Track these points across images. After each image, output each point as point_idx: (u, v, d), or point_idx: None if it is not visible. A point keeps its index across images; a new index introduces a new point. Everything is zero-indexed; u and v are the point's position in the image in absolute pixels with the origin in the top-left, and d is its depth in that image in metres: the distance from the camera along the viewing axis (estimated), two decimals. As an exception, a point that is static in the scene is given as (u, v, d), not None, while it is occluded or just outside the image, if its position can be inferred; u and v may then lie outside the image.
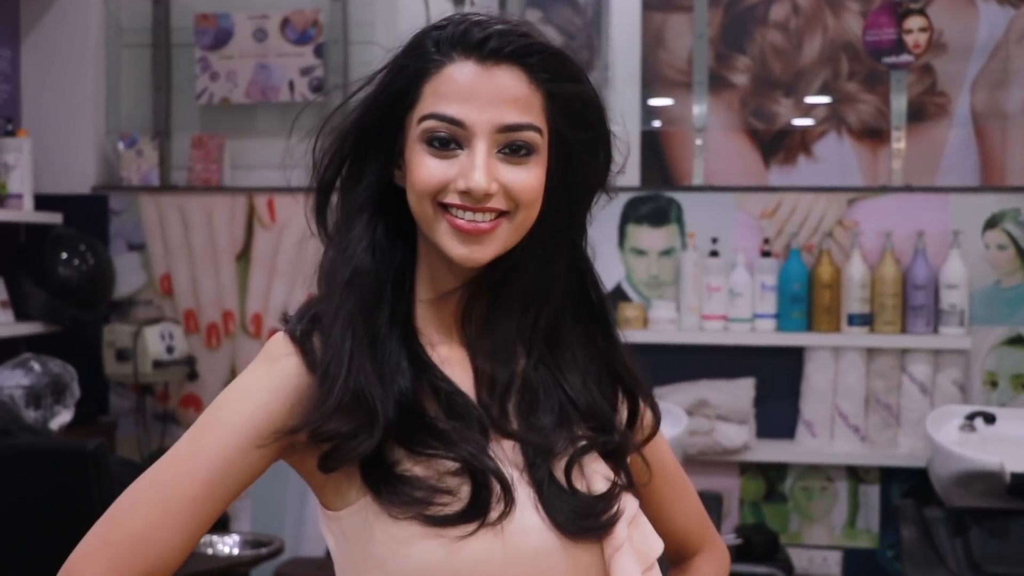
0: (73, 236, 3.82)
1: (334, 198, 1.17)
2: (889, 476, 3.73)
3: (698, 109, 4.01)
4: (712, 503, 3.09)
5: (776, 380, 3.78)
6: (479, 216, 1.10)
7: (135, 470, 2.64)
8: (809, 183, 3.90)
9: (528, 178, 1.12)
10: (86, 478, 2.19)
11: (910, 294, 3.66)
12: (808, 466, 3.76)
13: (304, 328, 1.14)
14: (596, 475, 1.14)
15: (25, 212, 3.75)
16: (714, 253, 3.76)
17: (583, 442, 1.14)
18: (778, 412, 3.78)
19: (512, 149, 1.11)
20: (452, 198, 1.10)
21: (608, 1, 4.10)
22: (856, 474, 3.76)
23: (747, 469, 3.79)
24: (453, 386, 1.13)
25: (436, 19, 1.17)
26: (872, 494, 3.75)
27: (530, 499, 1.10)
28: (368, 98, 1.15)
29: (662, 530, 1.28)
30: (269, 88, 4.08)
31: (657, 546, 1.18)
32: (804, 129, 4.04)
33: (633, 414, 1.20)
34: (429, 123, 1.11)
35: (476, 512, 1.06)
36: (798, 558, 3.71)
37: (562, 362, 1.17)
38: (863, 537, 3.76)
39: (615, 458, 1.17)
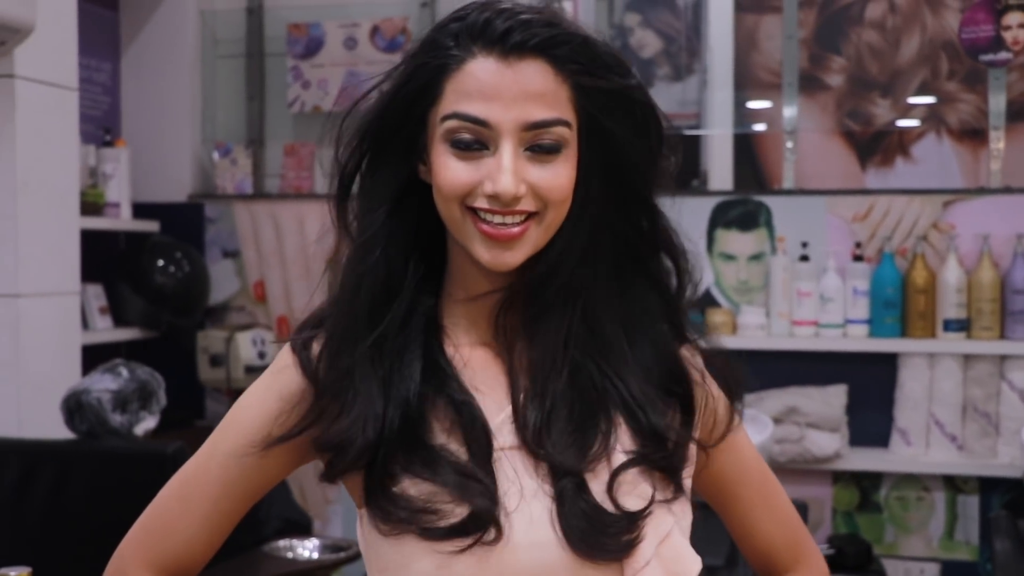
0: (169, 244, 3.92)
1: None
2: (989, 486, 3.62)
3: (789, 111, 3.95)
4: (799, 512, 3.03)
5: (869, 387, 3.69)
6: (508, 219, 1.07)
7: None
8: (907, 185, 3.81)
9: (557, 176, 1.08)
10: (165, 480, 2.24)
11: (1009, 299, 3.54)
12: (903, 475, 3.67)
13: (306, 337, 1.14)
14: (632, 492, 1.08)
15: (123, 220, 3.86)
16: (804, 258, 3.70)
17: (624, 457, 1.09)
18: (871, 420, 3.69)
19: (540, 147, 1.07)
20: (480, 202, 1.07)
21: (707, 4, 4.06)
22: (954, 484, 3.65)
23: (840, 478, 3.71)
24: (464, 394, 1.10)
25: None
26: (971, 505, 3.64)
27: (547, 512, 1.06)
28: (387, 94, 1.10)
29: (746, 544, 1.25)
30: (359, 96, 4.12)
31: (693, 566, 1.11)
32: (902, 130, 3.95)
33: (688, 410, 1.14)
34: (452, 123, 1.07)
35: (469, 528, 1.04)
36: (893, 570, 3.62)
37: (614, 361, 1.11)
38: (962, 549, 3.66)
39: (667, 470, 1.11)
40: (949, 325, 3.56)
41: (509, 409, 1.11)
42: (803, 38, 3.96)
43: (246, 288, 4.12)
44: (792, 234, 3.74)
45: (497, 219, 1.06)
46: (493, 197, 1.06)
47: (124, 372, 2.46)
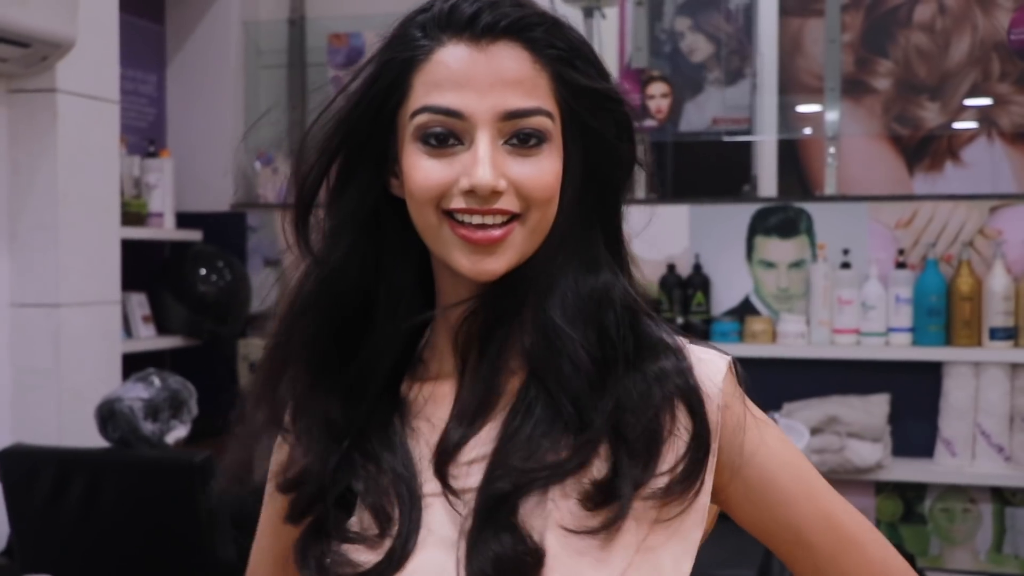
0: (212, 253, 3.96)
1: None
2: (1036, 498, 3.54)
3: (831, 116, 3.90)
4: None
5: (912, 396, 3.63)
6: (488, 219, 0.96)
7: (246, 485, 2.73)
8: (957, 190, 3.74)
9: (541, 173, 0.97)
10: (192, 489, 2.28)
11: (1057, 307, 3.47)
12: (948, 486, 3.61)
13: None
14: (552, 521, 0.94)
15: (166, 230, 3.91)
16: (845, 265, 3.65)
17: (538, 480, 0.94)
18: (915, 430, 3.63)
19: (520, 139, 0.97)
20: (457, 202, 0.96)
21: (757, 7, 4.03)
22: (1002, 496, 3.58)
23: (883, 488, 3.65)
24: (389, 446, 1.00)
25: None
26: (1020, 517, 3.57)
27: (454, 564, 0.94)
28: (352, 97, 1.00)
29: None
30: (399, 105, 4.14)
31: None
32: (952, 134, 3.88)
33: (697, 438, 0.97)
34: (422, 117, 0.97)
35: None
36: (938, 582, 3.56)
37: (562, 378, 0.96)
38: (1011, 563, 3.58)
39: (611, 495, 0.94)
40: (995, 333, 3.49)
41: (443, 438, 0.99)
42: (849, 41, 3.91)
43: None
44: (833, 241, 3.69)
45: (476, 219, 0.96)
46: (470, 193, 0.96)
47: (156, 381, 2.49)
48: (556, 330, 0.98)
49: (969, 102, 3.88)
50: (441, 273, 1.03)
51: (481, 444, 0.98)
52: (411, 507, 0.97)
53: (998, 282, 3.50)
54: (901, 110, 3.93)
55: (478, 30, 0.97)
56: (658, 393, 0.97)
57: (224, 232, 4.14)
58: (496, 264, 0.97)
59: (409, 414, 1.03)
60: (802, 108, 4.08)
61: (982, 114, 3.87)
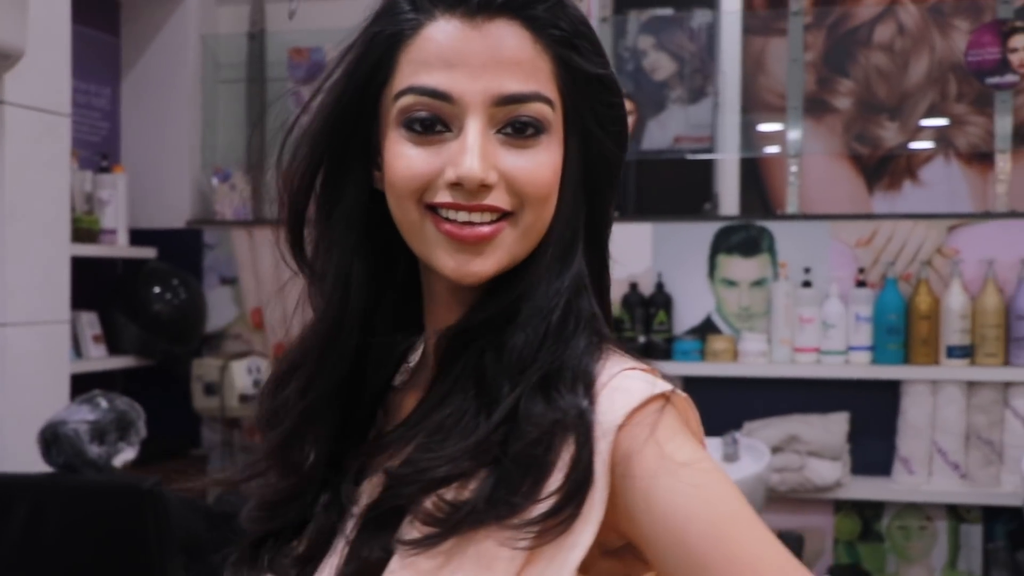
0: (166, 271, 3.90)
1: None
2: (992, 516, 3.55)
3: (793, 135, 3.90)
4: (793, 544, 2.98)
5: (871, 415, 3.63)
6: (476, 216, 0.87)
7: (197, 511, 2.67)
8: (915, 209, 3.76)
9: (537, 166, 0.88)
10: (142, 516, 2.22)
11: (1013, 325, 3.48)
12: (906, 504, 3.60)
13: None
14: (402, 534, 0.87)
15: (119, 247, 3.84)
16: (807, 283, 3.64)
17: (409, 489, 0.86)
18: (874, 448, 3.63)
19: (516, 128, 0.87)
20: (442, 196, 0.87)
21: (720, 26, 4.03)
22: (957, 513, 3.58)
23: (842, 507, 3.64)
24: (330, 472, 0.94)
25: None
26: (974, 534, 3.57)
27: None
28: (336, 82, 0.91)
29: None
30: (358, 121, 4.11)
31: None
32: (910, 153, 3.90)
33: (575, 470, 0.84)
34: (406, 99, 0.87)
35: None
36: (897, 601, 3.55)
37: (497, 394, 0.87)
38: (967, 580, 3.59)
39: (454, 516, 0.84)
40: (952, 352, 3.50)
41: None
42: (811, 61, 3.92)
43: (244, 315, 4.10)
44: (795, 259, 3.69)
45: (462, 216, 0.87)
46: (456, 186, 0.86)
47: (102, 403, 2.43)
48: (521, 353, 0.89)
49: (927, 122, 3.90)
50: (427, 275, 0.94)
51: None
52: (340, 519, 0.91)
53: (955, 300, 3.50)
54: (861, 129, 3.94)
55: (473, 4, 0.87)
56: (551, 419, 0.85)
57: (179, 249, 4.08)
58: (483, 265, 0.88)
59: (384, 424, 0.97)
60: (764, 127, 4.08)
61: (939, 134, 3.89)
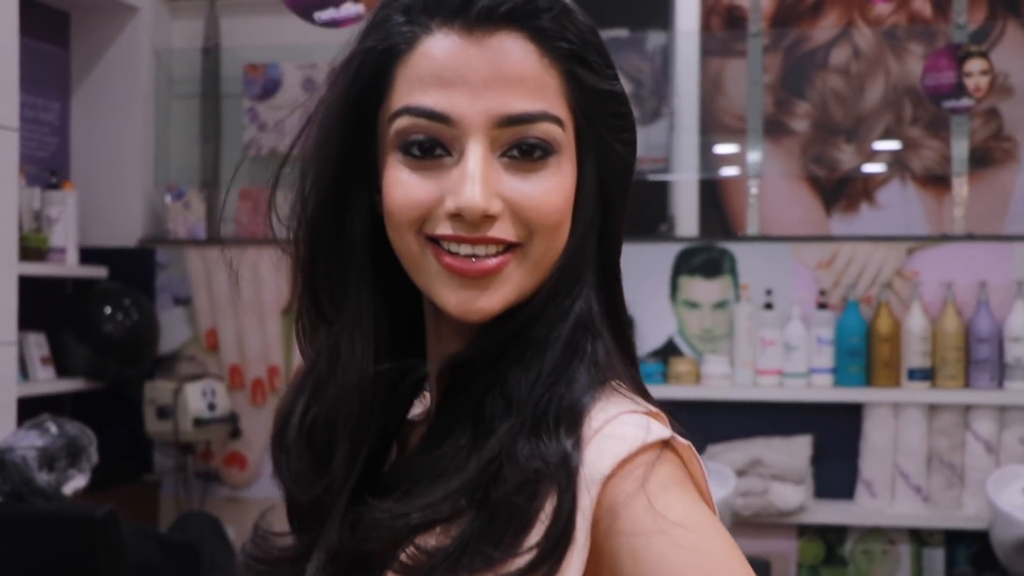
0: (117, 290, 3.80)
1: None
2: (954, 539, 3.54)
3: (753, 156, 3.90)
4: (759, 569, 2.95)
5: (834, 438, 3.62)
6: (480, 249, 0.81)
7: (152, 539, 2.58)
8: (872, 231, 3.76)
9: (546, 192, 0.81)
10: (94, 547, 2.13)
11: (973, 347, 3.49)
12: (869, 528, 3.59)
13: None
14: None
15: (69, 266, 3.74)
16: (768, 305, 3.63)
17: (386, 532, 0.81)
18: (836, 471, 3.62)
19: (522, 150, 0.81)
20: (442, 227, 0.81)
21: (675, 48, 4.02)
22: (919, 537, 3.58)
23: (805, 531, 3.63)
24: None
25: None
26: (936, 558, 3.57)
27: None
28: (334, 99, 0.85)
29: None
30: (316, 139, 4.05)
31: None
32: (866, 176, 3.91)
33: (555, 523, 0.77)
34: (402, 121, 0.81)
35: None
36: (859, 625, 3.54)
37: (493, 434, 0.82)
38: (928, 603, 3.58)
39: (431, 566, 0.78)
40: (914, 374, 3.51)
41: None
42: (768, 83, 3.92)
43: (198, 336, 4.01)
44: (756, 281, 3.67)
45: (465, 249, 0.81)
46: (456, 217, 0.80)
47: (52, 428, 2.34)
48: (518, 390, 0.82)
49: (881, 145, 3.92)
50: (428, 303, 0.87)
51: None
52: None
53: (916, 323, 3.51)
54: (818, 151, 3.95)
55: (472, 16, 0.80)
56: (533, 465, 0.78)
57: (131, 269, 3.97)
58: (489, 302, 0.81)
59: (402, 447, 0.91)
60: (722, 148, 4.08)
61: (895, 157, 3.91)
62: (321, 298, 0.87)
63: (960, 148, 3.74)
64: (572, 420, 0.80)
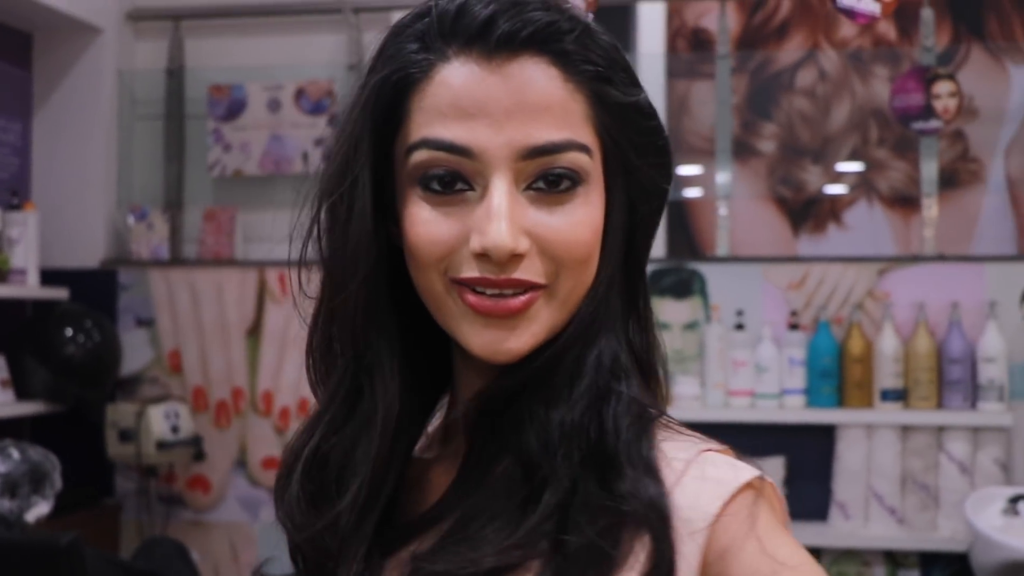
0: (79, 312, 3.73)
1: None
2: (929, 561, 3.53)
3: (722, 177, 3.89)
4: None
5: (806, 459, 3.60)
6: (507, 290, 0.77)
7: (116, 568, 2.51)
8: (839, 252, 3.77)
9: (573, 225, 0.77)
10: (58, 575, 2.06)
11: (946, 368, 3.49)
12: (843, 550, 3.57)
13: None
14: None
15: (29, 288, 3.67)
16: (739, 326, 3.62)
17: None
18: (809, 493, 3.59)
19: (548, 182, 0.77)
20: (468, 270, 0.77)
21: (639, 69, 4.01)
22: (894, 559, 3.56)
23: (778, 553, 3.59)
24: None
25: None
26: (911, 580, 3.55)
27: None
28: (345, 138, 0.81)
29: None
30: (283, 160, 4.00)
31: None
32: (834, 197, 3.92)
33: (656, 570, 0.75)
34: (421, 154, 0.77)
35: None
36: (833, 648, 3.51)
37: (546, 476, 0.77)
38: (902, 625, 3.56)
39: None
40: (886, 395, 3.50)
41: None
42: (735, 104, 3.93)
43: (160, 358, 3.93)
44: (727, 302, 3.66)
45: (491, 291, 0.77)
46: (482, 257, 0.76)
47: (14, 453, 2.27)
48: (559, 432, 0.79)
49: (845, 166, 3.93)
50: (455, 350, 0.84)
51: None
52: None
53: (888, 344, 3.51)
54: (785, 172, 3.96)
55: (492, 42, 0.76)
56: (615, 508, 0.75)
57: (93, 290, 3.90)
58: (517, 342, 0.77)
59: (410, 500, 0.86)
60: (690, 169, 4.07)
61: (861, 178, 3.92)
62: (339, 334, 0.83)
63: (929, 169, 3.76)
64: (643, 459, 0.77)
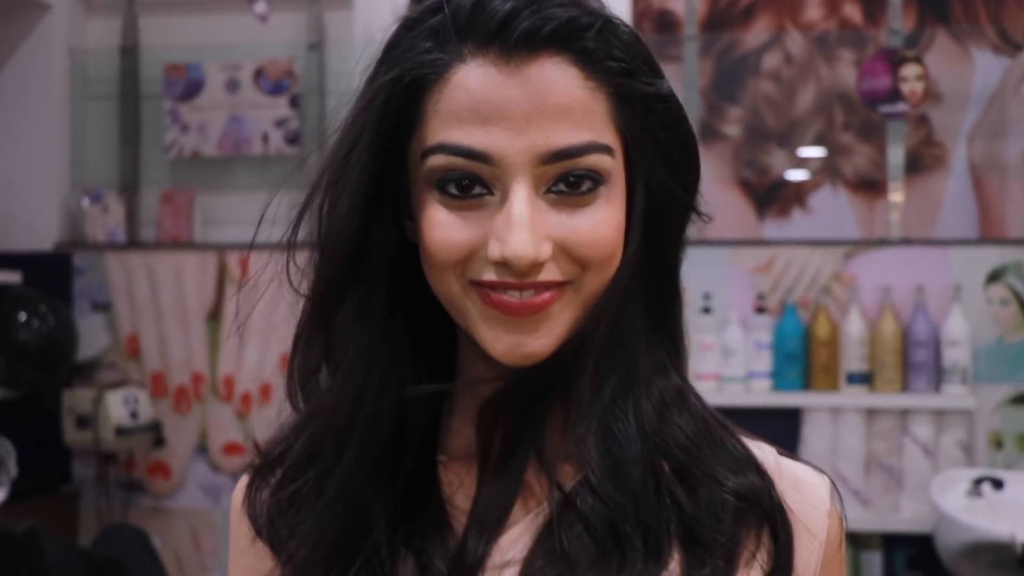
0: (33, 296, 3.65)
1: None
2: (891, 542, 3.54)
3: (688, 160, 3.86)
4: None
5: (772, 442, 3.57)
6: (528, 292, 0.75)
7: (75, 557, 2.44)
8: (804, 236, 3.76)
9: (596, 226, 0.75)
10: (14, 564, 2.00)
11: (911, 351, 3.50)
12: (808, 533, 3.57)
13: (259, 467, 0.83)
14: None
15: (-19, 271, 3.58)
16: (706, 310, 3.60)
17: None
18: (775, 477, 3.59)
19: (569, 184, 0.75)
20: (487, 274, 0.75)
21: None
22: (857, 540, 3.57)
23: (744, 537, 3.59)
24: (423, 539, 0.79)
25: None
26: (874, 562, 3.56)
27: None
28: (356, 140, 0.77)
29: None
30: (242, 141, 3.93)
31: None
32: (798, 182, 3.91)
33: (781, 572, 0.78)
34: (437, 159, 0.75)
35: None
36: (798, 631, 3.51)
37: (623, 490, 0.76)
38: (866, 607, 3.57)
39: None
40: (852, 378, 3.50)
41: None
42: (700, 87, 3.90)
43: (118, 343, 3.86)
44: (694, 286, 3.64)
45: (513, 293, 0.75)
46: (502, 264, 0.74)
47: (-29, 441, 2.19)
48: (615, 430, 0.78)
49: (808, 151, 3.92)
50: (467, 345, 0.81)
51: (506, 549, 0.77)
52: None
53: (854, 327, 3.51)
54: (750, 156, 3.94)
55: (511, 41, 0.73)
56: (739, 509, 0.77)
57: (47, 274, 3.82)
58: (539, 343, 0.75)
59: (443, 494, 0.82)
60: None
61: (826, 163, 3.91)
62: (335, 330, 0.80)
63: (896, 153, 3.76)
64: (743, 455, 0.81)
